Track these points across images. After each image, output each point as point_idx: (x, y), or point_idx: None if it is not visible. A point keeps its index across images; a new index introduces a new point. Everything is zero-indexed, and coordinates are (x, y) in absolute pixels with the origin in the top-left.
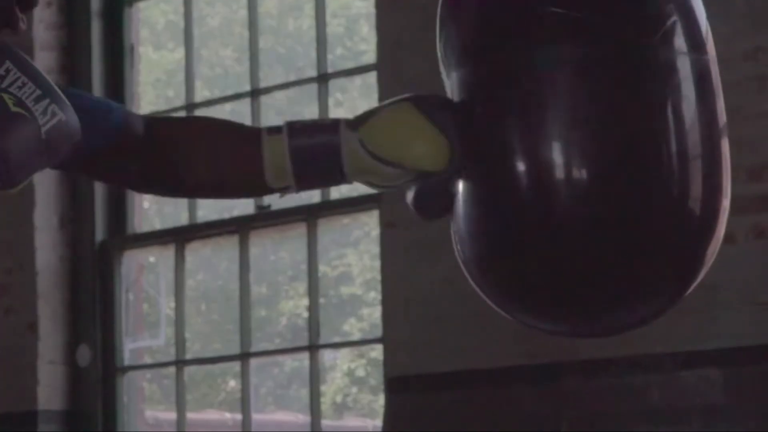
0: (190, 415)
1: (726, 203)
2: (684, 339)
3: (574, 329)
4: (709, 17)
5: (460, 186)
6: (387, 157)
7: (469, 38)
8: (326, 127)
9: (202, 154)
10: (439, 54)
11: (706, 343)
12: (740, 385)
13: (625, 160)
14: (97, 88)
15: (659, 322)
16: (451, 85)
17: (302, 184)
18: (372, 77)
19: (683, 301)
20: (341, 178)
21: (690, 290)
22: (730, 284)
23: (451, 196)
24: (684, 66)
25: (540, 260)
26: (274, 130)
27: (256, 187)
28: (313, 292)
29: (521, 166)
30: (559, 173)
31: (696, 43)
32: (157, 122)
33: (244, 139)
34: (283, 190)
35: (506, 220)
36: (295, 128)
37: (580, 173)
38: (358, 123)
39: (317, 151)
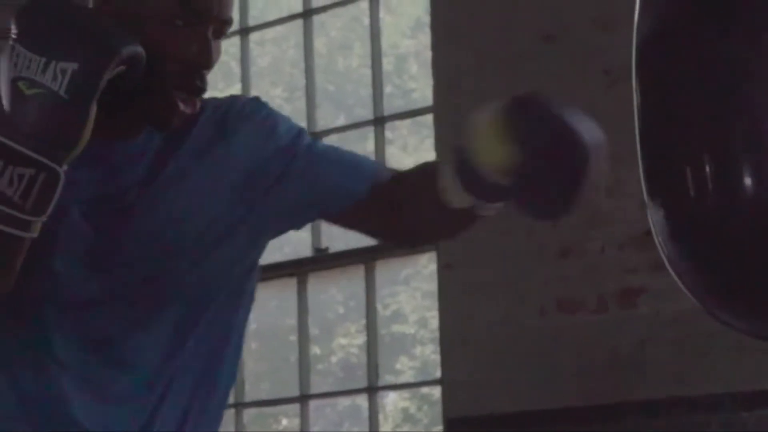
0: None
1: None
2: (744, 379)
3: None
4: None
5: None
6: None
7: None
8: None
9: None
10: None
11: (767, 383)
12: None
13: None
14: None
15: (719, 362)
16: None
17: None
18: (425, 117)
19: (744, 342)
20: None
21: None
22: None
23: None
24: None
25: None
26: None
27: (457, 219)
28: (371, 333)
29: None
30: None
31: None
32: (394, 178)
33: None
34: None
35: (722, 215)
36: (459, 164)
37: None
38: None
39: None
